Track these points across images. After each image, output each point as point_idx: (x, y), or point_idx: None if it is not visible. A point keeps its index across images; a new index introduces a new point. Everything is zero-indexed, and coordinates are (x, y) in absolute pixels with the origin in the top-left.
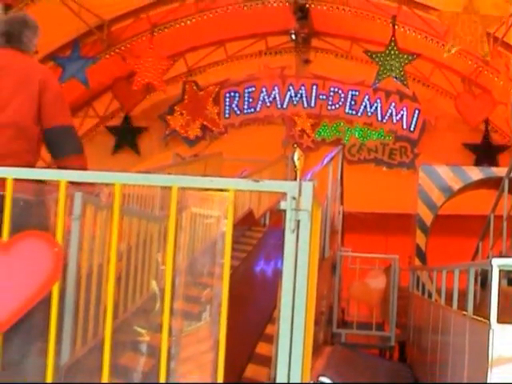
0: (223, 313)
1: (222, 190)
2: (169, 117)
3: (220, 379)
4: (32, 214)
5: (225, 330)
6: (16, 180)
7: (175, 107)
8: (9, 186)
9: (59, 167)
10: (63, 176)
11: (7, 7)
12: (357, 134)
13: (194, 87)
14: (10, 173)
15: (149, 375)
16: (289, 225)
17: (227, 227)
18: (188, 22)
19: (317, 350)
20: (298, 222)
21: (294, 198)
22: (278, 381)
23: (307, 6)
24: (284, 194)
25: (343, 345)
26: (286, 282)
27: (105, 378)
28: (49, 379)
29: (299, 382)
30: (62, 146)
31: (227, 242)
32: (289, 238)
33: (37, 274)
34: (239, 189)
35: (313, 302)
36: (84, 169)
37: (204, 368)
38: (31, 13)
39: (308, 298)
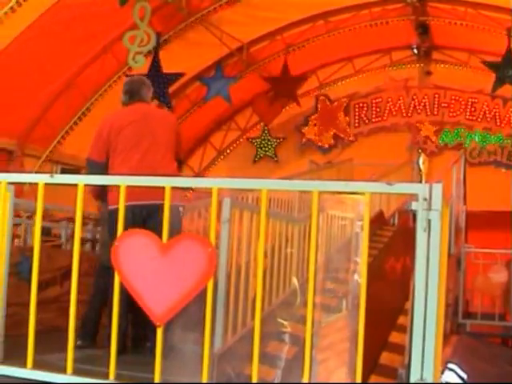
0: (362, 305)
1: (357, 194)
2: (304, 128)
3: (359, 366)
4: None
5: (363, 320)
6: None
7: (309, 119)
8: (167, 193)
9: None
10: (215, 183)
11: (158, 35)
12: (477, 138)
13: (326, 100)
14: (168, 182)
15: (292, 362)
16: (420, 224)
17: (364, 227)
18: (318, 41)
19: (444, 339)
20: (429, 221)
21: (425, 199)
22: (412, 366)
23: (427, 22)
24: (415, 196)
25: (468, 334)
26: (419, 276)
27: (255, 364)
28: (205, 365)
29: (432, 368)
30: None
31: (364, 241)
32: (421, 236)
33: (193, 272)
34: (374, 191)
35: (443, 295)
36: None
37: (341, 355)
38: (179, 40)
39: (439, 292)
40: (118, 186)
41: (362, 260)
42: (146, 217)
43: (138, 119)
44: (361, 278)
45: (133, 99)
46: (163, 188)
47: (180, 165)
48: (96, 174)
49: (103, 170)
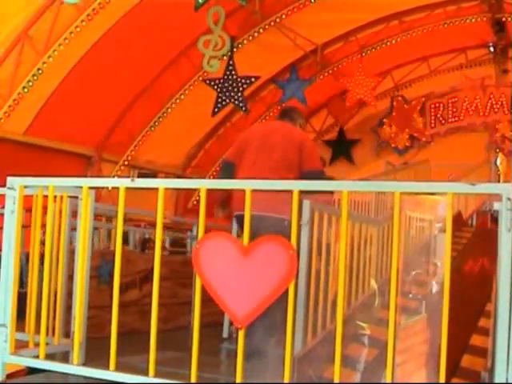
0: (445, 307)
1: (435, 194)
2: (379, 129)
3: (442, 369)
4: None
5: (446, 322)
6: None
7: (385, 120)
8: (247, 197)
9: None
10: (295, 186)
11: (232, 39)
12: None
13: (401, 101)
14: (248, 185)
15: (371, 364)
16: (504, 224)
17: (447, 227)
18: (393, 41)
19: None
20: None
21: (509, 199)
22: (496, 370)
23: (504, 19)
24: (499, 196)
25: None
26: (503, 277)
27: (336, 366)
28: (287, 367)
29: None
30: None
31: (447, 241)
32: (504, 236)
33: (274, 274)
34: (457, 192)
35: None
36: (328, 202)
37: (419, 358)
38: (254, 43)
39: None
40: (237, 194)
41: (445, 261)
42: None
43: (264, 134)
44: (441, 279)
45: (282, 118)
46: (276, 201)
47: (314, 174)
48: (222, 171)
49: (228, 168)
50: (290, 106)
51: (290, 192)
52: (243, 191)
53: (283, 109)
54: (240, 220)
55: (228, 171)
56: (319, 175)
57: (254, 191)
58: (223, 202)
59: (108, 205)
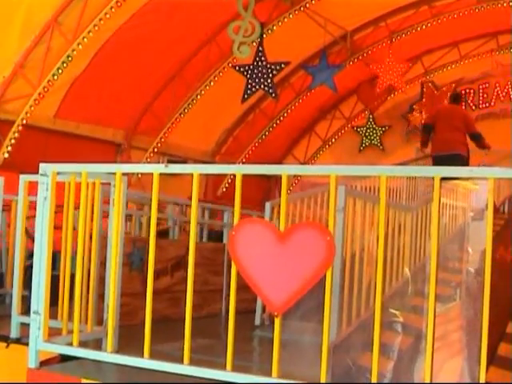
0: (486, 295)
1: (474, 179)
2: (409, 115)
3: (483, 357)
4: None
5: (487, 311)
6: None
7: (415, 106)
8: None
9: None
10: (334, 170)
11: (262, 25)
12: None
13: (431, 86)
14: (284, 170)
15: (405, 353)
16: None
17: (488, 213)
18: (423, 26)
19: None
20: None
21: None
22: None
23: None
24: None
25: None
26: None
27: (375, 353)
28: (324, 356)
29: None
30: (475, 138)
31: (488, 229)
32: None
33: (311, 261)
34: (499, 177)
35: None
36: (483, 141)
37: (452, 346)
38: (283, 29)
39: None
40: (438, 137)
41: (486, 247)
42: (447, 163)
43: (447, 111)
44: (474, 266)
45: (454, 102)
46: (458, 143)
47: (476, 138)
48: (425, 128)
49: (428, 127)
50: (457, 93)
51: (461, 137)
52: (442, 137)
53: (453, 94)
54: (438, 160)
55: (429, 129)
56: (476, 134)
57: (440, 139)
58: (425, 143)
59: (138, 191)
